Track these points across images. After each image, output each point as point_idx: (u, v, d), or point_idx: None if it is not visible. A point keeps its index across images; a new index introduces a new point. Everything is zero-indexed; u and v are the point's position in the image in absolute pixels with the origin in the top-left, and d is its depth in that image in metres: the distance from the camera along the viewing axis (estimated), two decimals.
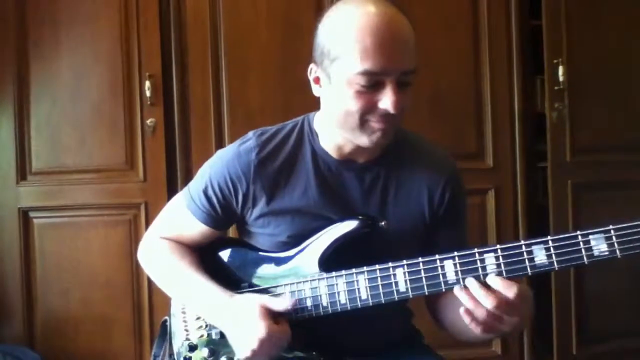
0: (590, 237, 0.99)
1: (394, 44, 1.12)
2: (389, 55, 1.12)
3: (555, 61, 2.59)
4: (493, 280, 1.06)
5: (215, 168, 1.31)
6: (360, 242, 1.22)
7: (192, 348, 1.31)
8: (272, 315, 1.19)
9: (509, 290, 1.04)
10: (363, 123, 1.17)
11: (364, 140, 1.19)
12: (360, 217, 1.23)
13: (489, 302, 1.05)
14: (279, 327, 1.18)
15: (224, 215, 1.32)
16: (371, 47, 1.12)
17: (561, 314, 2.64)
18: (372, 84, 1.14)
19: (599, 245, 0.98)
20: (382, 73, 1.13)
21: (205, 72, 2.50)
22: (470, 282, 1.07)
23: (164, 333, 1.39)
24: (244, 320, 1.19)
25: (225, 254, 1.35)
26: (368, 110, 1.15)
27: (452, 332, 1.28)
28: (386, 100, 1.14)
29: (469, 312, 1.07)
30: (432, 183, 1.30)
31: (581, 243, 0.99)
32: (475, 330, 1.08)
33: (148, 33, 2.51)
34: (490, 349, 2.64)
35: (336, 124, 1.23)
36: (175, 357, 1.33)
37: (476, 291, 1.06)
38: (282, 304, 1.20)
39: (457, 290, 1.08)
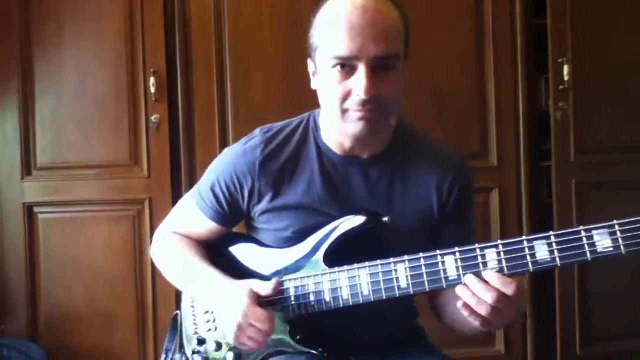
0: (594, 232, 0.97)
1: (364, 29, 1.13)
2: (358, 40, 1.13)
3: (559, 60, 2.58)
4: (490, 276, 1.05)
5: (221, 166, 1.33)
6: (365, 238, 1.22)
7: (201, 342, 1.33)
8: (260, 301, 1.19)
9: (507, 287, 1.04)
10: (344, 112, 1.18)
11: (348, 130, 1.20)
12: (363, 212, 1.23)
13: (489, 297, 1.04)
14: (262, 310, 1.17)
15: (231, 212, 1.34)
16: (341, 33, 1.14)
17: (565, 313, 2.63)
18: (346, 70, 1.15)
19: (603, 241, 0.96)
20: (352, 57, 1.14)
21: (210, 68, 2.50)
22: (470, 278, 1.06)
23: (175, 327, 1.42)
24: (232, 301, 1.20)
25: (231, 249, 1.37)
26: (345, 96, 1.16)
27: (451, 326, 1.28)
28: (357, 85, 1.14)
29: (467, 306, 1.06)
30: (439, 178, 1.29)
31: (584, 238, 0.97)
32: (474, 322, 1.08)
33: (152, 29, 2.51)
34: (494, 347, 2.63)
35: (327, 115, 1.25)
36: (185, 350, 1.36)
37: (475, 287, 1.05)
38: (266, 287, 1.20)
39: (459, 289, 1.07)
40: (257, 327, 1.17)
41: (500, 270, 1.05)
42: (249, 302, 1.18)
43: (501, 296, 1.04)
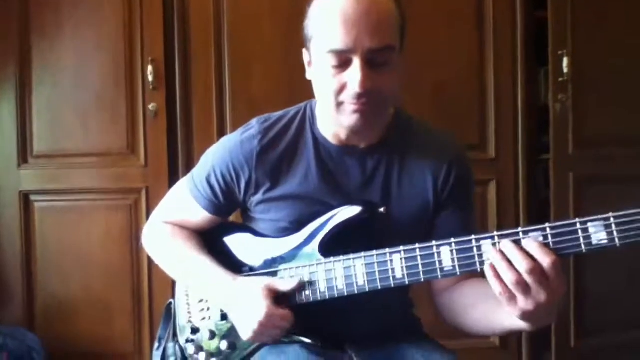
0: (589, 224, 0.96)
1: (359, 21, 1.11)
2: (353, 33, 1.11)
3: (559, 53, 2.57)
4: (530, 244, 0.99)
5: (218, 156, 1.32)
6: (361, 228, 1.22)
7: (195, 331, 1.34)
8: (275, 298, 1.19)
9: (546, 257, 0.97)
10: (339, 105, 1.17)
11: (343, 122, 1.19)
12: (359, 203, 1.23)
13: (523, 265, 0.97)
14: (281, 309, 1.19)
15: (226, 202, 1.33)
16: (336, 26, 1.12)
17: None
18: (341, 63, 1.14)
19: (598, 234, 0.96)
20: (347, 51, 1.13)
21: (208, 56, 2.49)
22: (506, 243, 1.01)
23: (168, 316, 1.42)
24: (246, 301, 1.20)
25: (227, 239, 1.36)
26: (340, 90, 1.16)
27: (463, 325, 1.25)
28: (352, 79, 1.13)
29: (494, 269, 1.00)
30: (436, 166, 1.29)
31: (580, 231, 0.97)
32: (498, 296, 1.01)
33: (151, 17, 2.50)
34: (489, 340, 2.63)
35: (323, 106, 1.24)
36: (179, 339, 1.37)
37: (511, 252, 0.99)
38: (287, 284, 1.21)
39: (491, 251, 1.01)
40: (279, 325, 1.19)
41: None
42: (270, 302, 1.18)
43: (536, 268, 0.98)
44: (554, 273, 0.98)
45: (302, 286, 1.21)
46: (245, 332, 1.21)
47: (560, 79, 2.58)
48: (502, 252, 1.00)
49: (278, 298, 1.20)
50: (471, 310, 1.21)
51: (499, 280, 1.00)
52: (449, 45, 2.58)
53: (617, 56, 2.68)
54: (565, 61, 2.56)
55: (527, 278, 0.98)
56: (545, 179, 2.71)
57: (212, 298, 1.31)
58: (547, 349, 2.66)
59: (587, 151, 2.65)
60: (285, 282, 1.22)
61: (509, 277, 0.99)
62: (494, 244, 1.03)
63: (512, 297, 1.00)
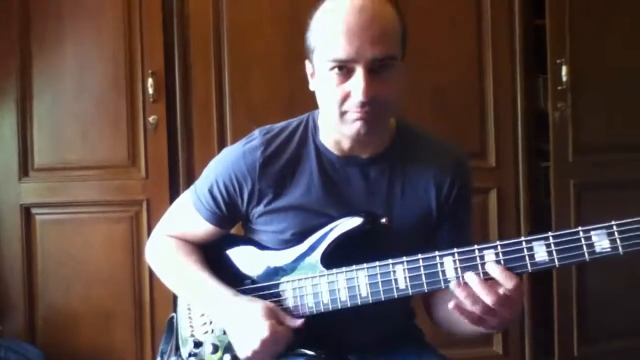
0: (592, 233, 0.97)
1: (361, 31, 1.12)
2: (355, 43, 1.12)
3: (558, 61, 2.58)
4: (493, 269, 1.05)
5: (220, 167, 1.32)
6: (363, 239, 1.22)
7: (197, 344, 1.33)
8: (276, 316, 1.19)
9: (509, 281, 1.04)
10: (342, 114, 1.17)
11: (346, 132, 1.19)
12: (361, 214, 1.22)
13: (490, 299, 1.04)
14: (282, 327, 1.19)
15: (229, 214, 1.33)
16: (338, 36, 1.13)
17: (562, 313, 2.63)
18: (344, 72, 1.15)
19: (601, 242, 0.97)
20: (350, 60, 1.13)
21: (208, 68, 2.49)
22: (471, 277, 1.06)
23: (171, 330, 1.41)
24: (247, 319, 1.20)
25: (229, 251, 1.36)
26: (343, 99, 1.16)
27: (446, 325, 1.28)
28: (355, 88, 1.14)
29: (459, 307, 1.06)
30: (439, 176, 1.29)
31: (582, 239, 0.98)
32: (467, 321, 1.07)
33: (151, 29, 2.50)
34: (492, 348, 2.63)
35: (326, 117, 1.24)
36: (181, 353, 1.36)
37: (477, 288, 1.05)
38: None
39: (454, 286, 1.07)
40: (281, 342, 1.19)
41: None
42: (272, 321, 1.18)
43: (502, 296, 1.04)
44: (517, 294, 1.04)
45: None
46: (245, 350, 1.20)
47: (559, 87, 2.58)
48: (467, 287, 1.06)
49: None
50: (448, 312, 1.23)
51: (465, 314, 1.06)
52: (448, 53, 2.58)
53: (616, 63, 2.68)
54: (564, 69, 2.57)
55: (495, 307, 1.04)
56: (545, 186, 2.71)
57: (212, 315, 1.31)
58: (550, 357, 2.65)
59: (586, 158, 2.66)
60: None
61: (477, 308, 1.05)
62: (458, 278, 1.08)
63: (481, 320, 1.07)
